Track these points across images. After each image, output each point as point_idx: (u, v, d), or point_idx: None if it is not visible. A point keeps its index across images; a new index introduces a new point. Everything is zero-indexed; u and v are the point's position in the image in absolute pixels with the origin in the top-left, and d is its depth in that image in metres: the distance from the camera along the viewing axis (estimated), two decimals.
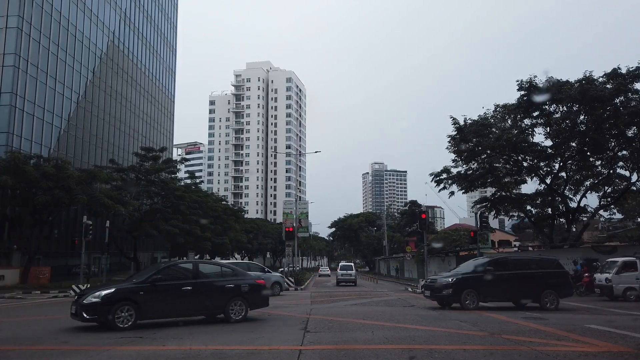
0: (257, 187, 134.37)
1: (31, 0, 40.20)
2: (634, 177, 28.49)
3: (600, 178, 29.83)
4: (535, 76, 27.64)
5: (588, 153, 28.25)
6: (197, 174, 71.55)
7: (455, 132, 30.10)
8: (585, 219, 33.86)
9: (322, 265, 72.04)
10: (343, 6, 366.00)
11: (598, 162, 29.40)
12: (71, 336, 9.76)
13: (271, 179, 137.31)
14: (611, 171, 29.06)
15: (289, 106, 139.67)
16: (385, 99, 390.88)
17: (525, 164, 30.51)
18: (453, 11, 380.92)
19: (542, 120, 28.96)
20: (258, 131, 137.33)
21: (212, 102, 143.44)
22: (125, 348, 8.25)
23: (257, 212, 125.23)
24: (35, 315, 15.09)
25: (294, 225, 35.17)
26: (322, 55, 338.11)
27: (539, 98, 27.48)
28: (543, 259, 17.80)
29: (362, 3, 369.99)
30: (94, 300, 10.05)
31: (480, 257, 19.31)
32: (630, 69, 25.41)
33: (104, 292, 10.20)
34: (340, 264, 42.02)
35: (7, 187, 30.99)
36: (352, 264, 44.28)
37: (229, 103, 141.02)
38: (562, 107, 27.88)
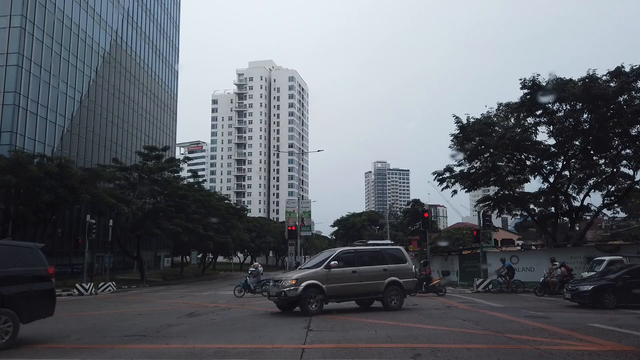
0: (260, 186, 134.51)
1: (34, 0, 40.30)
2: (638, 176, 28.41)
3: (604, 177, 29.74)
4: (538, 75, 27.57)
5: (591, 152, 28.16)
6: (199, 173, 71.51)
7: (458, 131, 30.04)
8: (588, 217, 33.74)
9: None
10: (348, 7, 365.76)
11: (601, 161, 29.31)
12: (76, 334, 9.81)
13: (274, 178, 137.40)
14: (615, 170, 28.97)
15: (291, 105, 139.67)
16: (388, 98, 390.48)
17: (528, 162, 30.44)
18: (458, 13, 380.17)
19: (545, 119, 28.88)
20: (261, 130, 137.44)
21: (214, 101, 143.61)
22: (130, 346, 8.29)
23: (259, 211, 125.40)
24: None
25: (297, 224, 35.20)
26: (325, 55, 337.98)
27: (542, 97, 27.41)
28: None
29: (367, 5, 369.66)
30: None
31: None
32: (634, 68, 25.30)
33: None
34: None
35: (11, 186, 31.07)
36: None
37: (231, 102, 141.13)
38: (566, 105, 27.79)
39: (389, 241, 14.07)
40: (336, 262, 13.27)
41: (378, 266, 13.95)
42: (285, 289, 12.81)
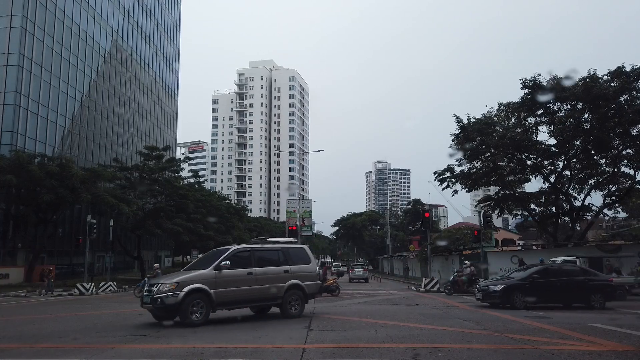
0: (261, 186, 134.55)
1: (35, 0, 40.34)
2: (639, 176, 28.37)
3: (605, 176, 29.70)
4: (539, 74, 27.56)
5: (592, 151, 28.12)
6: (200, 173, 71.63)
7: (459, 131, 30.02)
8: (589, 217, 33.71)
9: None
10: (349, 8, 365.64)
11: (602, 161, 29.26)
12: (77, 334, 9.82)
13: (274, 178, 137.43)
14: (615, 169, 28.93)
15: (292, 105, 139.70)
16: (389, 98, 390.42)
17: (529, 162, 30.42)
18: (460, 14, 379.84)
19: (546, 119, 28.86)
20: (261, 130, 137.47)
21: (215, 101, 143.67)
22: (130, 346, 8.30)
23: (260, 211, 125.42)
24: (41, 313, 15.17)
25: (297, 224, 35.19)
26: (326, 56, 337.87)
27: (542, 96, 27.39)
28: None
29: (368, 6, 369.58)
30: None
31: None
32: (635, 67, 25.26)
33: None
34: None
35: (12, 186, 31.15)
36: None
37: (232, 102, 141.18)
38: (566, 105, 27.78)
39: (291, 239, 12.19)
40: (228, 262, 11.36)
41: (278, 267, 12.34)
42: (161, 295, 10.58)
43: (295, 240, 13.85)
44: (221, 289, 11.12)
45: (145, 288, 11.56)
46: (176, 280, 10.87)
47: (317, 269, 13.51)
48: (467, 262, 23.59)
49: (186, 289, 10.67)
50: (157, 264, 24.36)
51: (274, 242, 13.19)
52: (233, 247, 12.18)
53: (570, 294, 15.05)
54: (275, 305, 12.36)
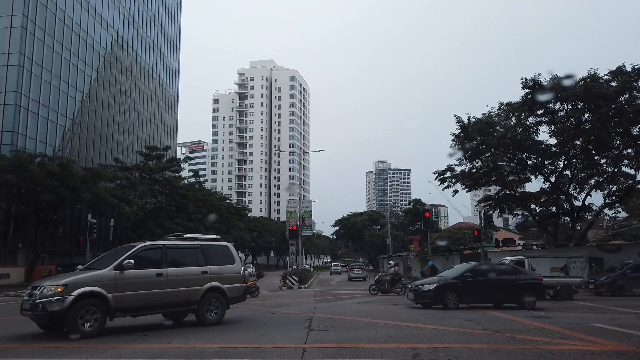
0: (261, 186, 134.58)
1: (36, 0, 40.34)
2: (639, 176, 28.38)
3: (605, 176, 29.69)
4: (539, 74, 27.55)
5: (593, 151, 28.11)
6: (200, 173, 71.73)
7: (460, 131, 30.02)
8: (590, 217, 33.70)
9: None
10: (350, 8, 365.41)
11: (603, 161, 29.25)
12: (77, 334, 9.81)
13: (275, 178, 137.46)
14: (616, 169, 28.92)
15: (292, 105, 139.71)
16: (390, 98, 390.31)
17: (529, 162, 30.41)
18: (460, 14, 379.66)
19: (546, 119, 28.85)
20: (262, 130, 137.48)
21: (215, 101, 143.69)
22: (131, 346, 8.30)
23: (260, 211, 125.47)
24: None
25: (298, 223, 35.18)
26: (326, 56, 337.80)
27: (543, 96, 27.37)
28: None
29: (369, 6, 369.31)
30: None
31: None
32: (636, 67, 25.27)
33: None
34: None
35: (12, 186, 31.15)
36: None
37: (232, 102, 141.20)
38: (567, 105, 27.77)
39: (213, 235, 10.85)
40: (132, 261, 9.71)
41: (195, 268, 10.85)
42: (43, 300, 8.78)
43: (218, 237, 12.32)
44: (122, 293, 9.49)
45: (27, 291, 9.67)
46: (64, 282, 9.07)
47: (243, 270, 12.12)
48: (391, 262, 23.67)
49: (76, 292, 8.91)
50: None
51: (192, 239, 11.59)
52: (140, 244, 10.51)
53: (502, 293, 14.86)
54: (191, 311, 10.84)
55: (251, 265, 68.03)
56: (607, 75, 26.24)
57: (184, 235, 11.76)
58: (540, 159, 29.84)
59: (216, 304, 10.98)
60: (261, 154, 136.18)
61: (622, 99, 25.62)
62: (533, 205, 33.29)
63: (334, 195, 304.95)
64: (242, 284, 11.77)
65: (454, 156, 31.13)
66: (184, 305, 10.61)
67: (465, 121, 29.81)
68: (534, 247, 33.63)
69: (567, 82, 26.69)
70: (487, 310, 13.77)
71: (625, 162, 28.41)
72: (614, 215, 38.13)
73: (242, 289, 11.81)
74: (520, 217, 43.21)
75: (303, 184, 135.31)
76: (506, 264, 17.71)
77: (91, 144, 48.22)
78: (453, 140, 30.69)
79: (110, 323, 9.78)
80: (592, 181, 30.44)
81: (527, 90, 27.88)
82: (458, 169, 32.00)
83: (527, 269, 19.03)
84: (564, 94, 26.58)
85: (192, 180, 51.98)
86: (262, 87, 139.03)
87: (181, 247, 11.18)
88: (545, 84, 27.24)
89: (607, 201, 30.50)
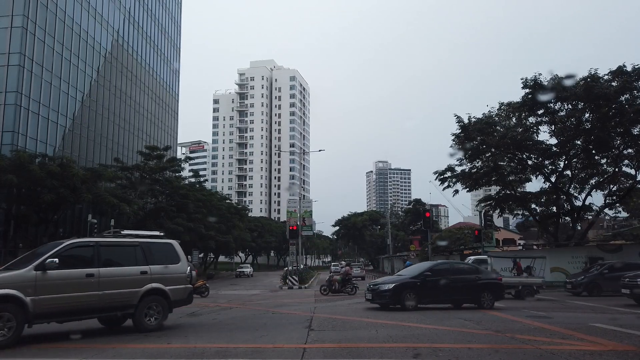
0: (261, 186, 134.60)
1: (36, 0, 40.35)
2: None
3: (606, 176, 29.67)
4: (540, 74, 27.52)
5: (593, 151, 28.10)
6: (201, 173, 71.78)
7: (460, 131, 30.01)
8: (590, 217, 33.69)
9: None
10: (350, 8, 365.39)
11: (603, 160, 29.23)
12: (77, 333, 9.81)
13: (275, 178, 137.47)
14: (616, 169, 28.90)
15: (292, 105, 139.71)
16: (390, 98, 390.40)
17: (529, 162, 30.38)
18: (460, 13, 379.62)
19: (547, 119, 28.82)
20: (262, 130, 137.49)
21: (216, 101, 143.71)
22: (131, 346, 8.30)
23: (261, 211, 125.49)
24: None
25: (298, 223, 35.19)
26: (327, 56, 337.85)
27: (543, 96, 27.35)
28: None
29: (369, 6, 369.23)
30: None
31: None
32: (636, 67, 25.22)
33: None
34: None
35: (13, 186, 31.16)
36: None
37: (232, 102, 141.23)
38: (567, 105, 27.75)
39: (156, 232, 9.90)
40: (56, 260, 8.60)
41: (133, 267, 9.79)
42: None
43: (161, 234, 11.44)
44: (44, 296, 8.37)
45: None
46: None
47: (189, 270, 10.89)
48: (343, 262, 23.72)
49: None
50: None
51: (132, 236, 10.57)
52: (69, 241, 9.44)
53: (462, 293, 14.64)
54: (128, 316, 9.78)
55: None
56: (607, 75, 26.21)
57: (122, 232, 10.83)
58: (540, 158, 29.82)
59: (157, 308, 9.94)
60: (261, 153, 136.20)
61: (623, 98, 25.59)
62: (533, 205, 33.28)
63: (335, 195, 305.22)
64: (187, 285, 10.65)
65: (454, 156, 31.16)
66: (118, 310, 9.52)
67: (466, 121, 29.80)
68: (534, 247, 33.61)
69: (567, 82, 26.65)
70: (488, 311, 13.76)
71: (626, 162, 28.40)
72: (614, 215, 38.16)
73: (188, 291, 10.70)
74: (520, 217, 43.20)
75: (303, 184, 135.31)
76: (467, 264, 17.78)
77: (91, 144, 48.24)
78: (454, 140, 30.68)
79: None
80: (593, 181, 30.43)
81: (527, 90, 27.86)
82: (458, 169, 32.02)
83: (490, 268, 19.24)
84: (564, 94, 26.56)
85: (193, 180, 51.98)
86: (263, 87, 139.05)
87: (117, 245, 10.12)
88: (545, 84, 27.21)
89: (607, 201, 30.49)
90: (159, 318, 9.99)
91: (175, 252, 10.77)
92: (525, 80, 27.79)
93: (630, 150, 27.61)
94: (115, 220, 34.68)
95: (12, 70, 38.17)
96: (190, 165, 79.83)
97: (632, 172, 28.75)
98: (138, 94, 59.25)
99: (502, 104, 30.41)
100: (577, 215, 31.00)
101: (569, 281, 21.35)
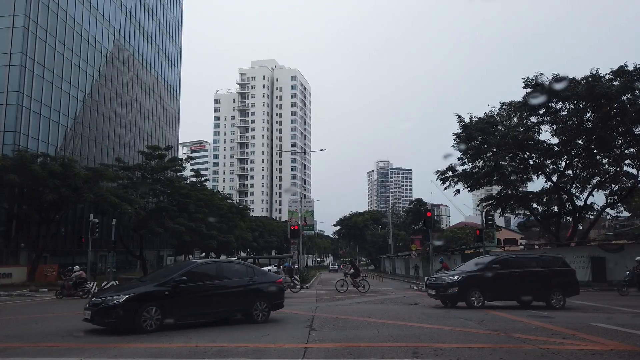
0: (262, 186, 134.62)
1: (37, 0, 40.40)
2: None
3: (607, 176, 29.64)
4: (541, 73, 27.52)
5: (595, 151, 28.07)
6: (202, 173, 71.75)
7: (461, 130, 30.01)
8: (592, 217, 33.67)
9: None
10: (350, 8, 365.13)
11: (605, 160, 29.21)
12: (79, 332, 9.84)
13: (276, 177, 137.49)
14: (618, 169, 28.87)
15: (294, 104, 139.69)
16: (391, 98, 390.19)
17: (531, 161, 30.37)
18: (460, 13, 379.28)
19: (548, 118, 28.80)
20: (263, 129, 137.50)
21: (217, 101, 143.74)
22: (133, 345, 8.31)
23: (262, 211, 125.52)
24: (43, 312, 15.20)
25: (299, 223, 35.20)
26: (328, 56, 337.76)
27: (544, 96, 27.32)
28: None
29: (369, 6, 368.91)
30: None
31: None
32: (638, 66, 25.18)
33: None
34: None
35: (15, 186, 31.23)
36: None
37: (234, 101, 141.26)
38: (569, 104, 27.71)
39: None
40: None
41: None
42: None
43: None
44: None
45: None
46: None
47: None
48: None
49: None
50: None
51: None
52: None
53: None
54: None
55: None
56: (609, 74, 26.18)
57: None
58: (542, 158, 29.81)
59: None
60: (263, 153, 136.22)
61: (624, 98, 25.57)
62: (535, 205, 33.24)
63: (336, 195, 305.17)
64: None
65: (455, 155, 31.17)
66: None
67: (467, 121, 29.81)
68: (536, 246, 33.59)
69: (558, 86, 26.59)
70: (489, 310, 13.75)
71: (627, 161, 28.38)
72: (616, 214, 38.12)
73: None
74: (522, 216, 43.14)
75: (304, 184, 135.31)
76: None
77: (93, 143, 48.30)
78: (455, 139, 30.70)
79: None
80: (594, 181, 30.40)
81: (528, 90, 27.84)
82: (460, 169, 32.02)
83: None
84: (565, 93, 26.53)
85: (194, 180, 51.92)
86: (264, 87, 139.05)
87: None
88: (546, 83, 27.19)
89: (609, 201, 30.45)
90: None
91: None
92: (527, 79, 27.81)
93: (631, 150, 27.59)
94: (116, 220, 34.69)
95: (14, 70, 38.23)
96: (191, 165, 79.66)
97: (634, 171, 28.74)
98: (139, 93, 59.30)
99: (503, 103, 30.45)
100: (578, 214, 30.98)
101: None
